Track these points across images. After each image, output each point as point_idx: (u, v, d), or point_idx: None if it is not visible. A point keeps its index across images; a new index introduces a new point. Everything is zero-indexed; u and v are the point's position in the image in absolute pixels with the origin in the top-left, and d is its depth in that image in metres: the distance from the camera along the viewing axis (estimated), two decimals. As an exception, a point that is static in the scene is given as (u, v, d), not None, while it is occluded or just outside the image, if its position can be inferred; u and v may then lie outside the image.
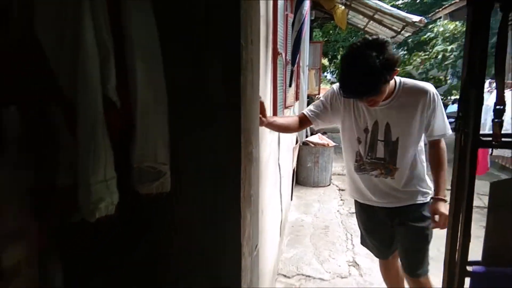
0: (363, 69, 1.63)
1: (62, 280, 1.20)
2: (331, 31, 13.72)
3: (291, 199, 5.01)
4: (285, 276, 3.21)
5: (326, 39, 14.28)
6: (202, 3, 1.05)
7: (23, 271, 1.05)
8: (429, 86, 1.84)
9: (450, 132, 1.83)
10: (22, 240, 1.04)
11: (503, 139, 1.15)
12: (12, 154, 1.01)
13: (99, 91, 0.93)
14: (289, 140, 4.22)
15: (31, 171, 1.04)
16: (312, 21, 7.86)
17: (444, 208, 1.86)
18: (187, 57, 1.08)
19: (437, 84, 14.42)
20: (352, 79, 1.69)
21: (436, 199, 1.91)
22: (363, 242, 2.36)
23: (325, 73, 17.73)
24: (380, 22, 7.26)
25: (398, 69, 1.74)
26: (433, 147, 1.94)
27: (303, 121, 2.08)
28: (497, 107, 1.14)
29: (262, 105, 1.72)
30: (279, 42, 2.76)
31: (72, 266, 1.20)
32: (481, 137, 1.16)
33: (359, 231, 2.35)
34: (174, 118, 1.06)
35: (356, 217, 2.31)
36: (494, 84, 1.28)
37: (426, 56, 13.77)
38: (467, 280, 1.29)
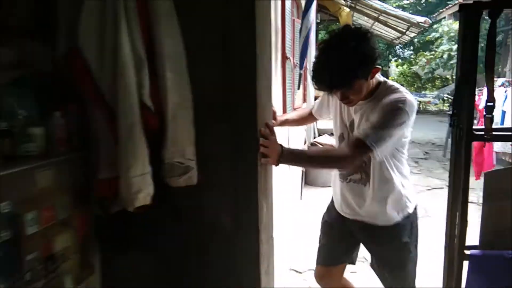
0: (334, 59, 1.45)
1: (99, 266, 1.34)
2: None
3: (301, 199, 5.13)
4: (296, 271, 3.33)
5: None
6: (221, 19, 1.19)
7: (70, 256, 1.20)
8: (398, 101, 1.51)
9: (369, 144, 1.46)
10: (69, 228, 1.18)
11: (494, 133, 1.27)
12: (59, 154, 1.15)
13: (135, 97, 1.08)
14: (298, 140, 4.35)
15: (77, 168, 1.19)
16: (317, 24, 7.99)
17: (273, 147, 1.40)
18: (209, 66, 1.23)
19: (444, 83, 14.44)
20: (322, 69, 1.50)
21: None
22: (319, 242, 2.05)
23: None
24: (385, 24, 7.37)
25: (379, 67, 1.54)
26: (344, 145, 1.70)
27: (310, 114, 2.06)
28: (488, 104, 1.26)
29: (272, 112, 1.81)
30: (287, 47, 2.90)
31: (109, 253, 1.34)
32: (474, 132, 1.28)
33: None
34: (199, 119, 1.20)
35: (323, 215, 2.06)
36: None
37: (432, 56, 13.82)
38: (466, 264, 1.40)
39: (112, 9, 1.07)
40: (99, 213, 1.23)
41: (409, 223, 1.68)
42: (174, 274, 1.32)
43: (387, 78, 1.96)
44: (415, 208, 1.71)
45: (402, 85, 2.04)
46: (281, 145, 1.40)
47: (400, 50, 19.28)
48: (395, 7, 8.47)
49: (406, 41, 9.80)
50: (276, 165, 1.41)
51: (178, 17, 1.15)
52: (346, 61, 1.43)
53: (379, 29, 7.89)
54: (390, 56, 19.30)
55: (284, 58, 2.78)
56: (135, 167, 1.08)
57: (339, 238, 1.90)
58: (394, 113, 1.47)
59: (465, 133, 1.29)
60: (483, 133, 1.29)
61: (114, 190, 1.12)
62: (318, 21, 7.84)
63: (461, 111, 1.29)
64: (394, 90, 1.56)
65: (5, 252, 0.97)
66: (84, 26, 1.09)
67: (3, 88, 1.10)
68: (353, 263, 1.97)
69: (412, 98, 1.52)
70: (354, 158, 1.50)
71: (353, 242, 1.88)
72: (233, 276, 1.28)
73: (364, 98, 1.59)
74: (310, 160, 1.58)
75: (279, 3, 2.61)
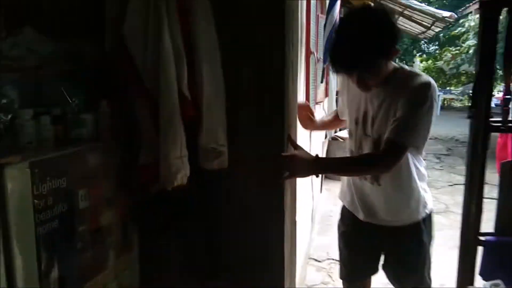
0: (354, 35, 1.36)
1: (138, 243, 1.47)
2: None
3: (321, 192, 5.21)
4: (316, 260, 3.43)
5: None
6: (254, 16, 1.30)
7: (113, 232, 1.33)
8: (423, 86, 1.41)
9: (403, 144, 1.38)
10: (113, 207, 1.31)
11: (509, 124, 1.34)
12: (105, 139, 1.28)
13: (175, 88, 1.19)
14: (319, 134, 4.42)
15: (121, 153, 1.32)
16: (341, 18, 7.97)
17: (303, 158, 1.41)
18: (241, 60, 1.33)
19: (469, 79, 14.17)
20: (341, 47, 1.41)
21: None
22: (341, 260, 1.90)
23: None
24: (410, 18, 7.31)
25: (399, 49, 1.43)
26: (374, 151, 1.51)
27: (337, 116, 1.94)
28: (505, 96, 1.32)
29: (309, 107, 1.84)
30: (311, 42, 2.98)
31: (147, 232, 1.47)
32: (491, 123, 1.35)
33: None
34: (231, 108, 1.31)
35: (338, 224, 1.89)
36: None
37: (457, 51, 13.57)
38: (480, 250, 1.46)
39: (155, 7, 1.18)
40: (140, 196, 1.36)
41: (428, 222, 1.62)
42: (204, 252, 1.44)
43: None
44: (431, 208, 1.64)
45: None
46: (316, 155, 1.40)
47: (425, 45, 18.94)
48: (420, 2, 8.37)
49: (431, 36, 9.67)
50: (311, 175, 1.46)
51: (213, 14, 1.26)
52: (367, 36, 1.33)
53: (403, 23, 7.83)
54: (414, 51, 18.99)
55: (308, 52, 2.86)
56: (174, 150, 1.19)
57: (361, 250, 1.77)
58: (420, 100, 1.37)
59: (482, 124, 1.36)
60: (500, 124, 1.36)
61: (154, 174, 1.24)
62: (342, 16, 7.84)
63: (479, 103, 1.36)
64: (414, 75, 1.45)
65: (62, 223, 1.10)
66: (129, 23, 1.21)
67: (58, 79, 1.24)
68: (377, 272, 1.83)
69: (433, 81, 1.43)
70: (392, 162, 1.40)
71: (375, 251, 1.77)
72: (259, 255, 1.39)
73: (379, 85, 1.47)
74: (346, 168, 1.52)
75: (305, -1, 2.69)
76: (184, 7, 1.22)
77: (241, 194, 1.37)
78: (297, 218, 1.71)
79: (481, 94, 1.33)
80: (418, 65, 20.78)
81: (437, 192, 5.20)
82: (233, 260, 1.41)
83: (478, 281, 1.52)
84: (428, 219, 1.61)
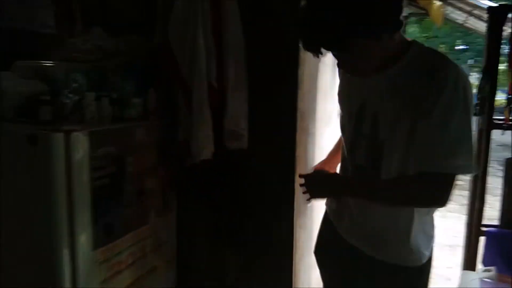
0: (322, 5, 0.99)
1: (176, 207, 1.76)
2: (430, 27, 13.17)
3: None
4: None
5: (426, 35, 13.73)
6: (274, 15, 1.52)
7: (155, 195, 1.62)
8: (460, 75, 0.99)
9: (455, 170, 1.00)
10: (155, 174, 1.61)
11: (510, 122, 1.42)
12: (151, 119, 1.58)
13: (205, 78, 1.45)
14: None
15: (163, 130, 1.61)
16: (405, 17, 7.81)
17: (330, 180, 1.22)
18: (262, 56, 1.56)
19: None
20: (307, 18, 1.04)
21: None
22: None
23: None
24: (479, 18, 6.99)
25: (400, 22, 1.00)
26: (412, 184, 1.06)
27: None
28: (509, 96, 1.40)
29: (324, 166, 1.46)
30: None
31: (183, 198, 1.75)
32: (493, 121, 1.44)
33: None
34: (252, 99, 1.55)
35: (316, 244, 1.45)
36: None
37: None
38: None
39: (192, 9, 1.44)
40: (177, 167, 1.64)
41: (427, 268, 1.19)
42: (228, 215, 1.70)
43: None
44: (431, 256, 1.20)
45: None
46: (344, 176, 1.19)
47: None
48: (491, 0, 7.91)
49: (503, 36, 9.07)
50: (334, 196, 1.23)
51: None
52: (338, 9, 0.96)
53: (473, 23, 7.48)
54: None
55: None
56: (202, 130, 1.46)
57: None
58: (464, 98, 0.97)
59: (485, 122, 1.45)
60: (502, 122, 1.44)
61: (188, 148, 1.52)
62: (406, 14, 7.67)
63: (482, 101, 1.46)
64: (440, 56, 1.04)
65: (112, 182, 1.40)
66: (172, 23, 1.48)
67: (115, 70, 1.55)
68: None
69: None
70: (447, 197, 1.01)
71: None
72: (271, 221, 1.63)
73: (384, 66, 1.06)
74: (384, 196, 1.11)
75: None
76: (216, 12, 1.47)
77: (258, 170, 1.60)
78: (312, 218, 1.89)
79: (485, 92, 1.43)
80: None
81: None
82: (249, 224, 1.65)
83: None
84: (428, 264, 1.18)
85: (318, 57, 1.06)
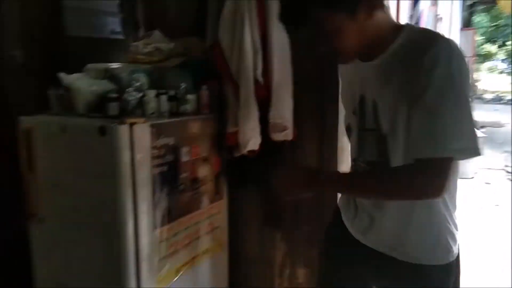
0: None
1: (227, 194, 1.90)
2: (500, 15, 12.33)
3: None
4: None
5: (495, 24, 12.87)
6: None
7: (207, 183, 1.78)
8: (449, 45, 0.92)
9: (446, 154, 0.91)
10: (207, 164, 1.76)
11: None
12: (204, 113, 1.73)
13: (251, 75, 1.57)
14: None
15: (214, 123, 1.76)
16: (470, 6, 7.43)
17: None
18: (305, 53, 1.65)
19: None
20: None
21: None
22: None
23: (494, 61, 15.85)
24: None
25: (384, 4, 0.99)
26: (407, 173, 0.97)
27: None
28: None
29: None
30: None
31: (233, 186, 1.89)
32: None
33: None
34: (296, 91, 1.64)
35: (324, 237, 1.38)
36: None
37: None
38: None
39: (240, 11, 1.57)
40: (228, 156, 1.78)
41: (454, 271, 1.10)
42: (274, 203, 1.82)
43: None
44: (458, 254, 1.10)
45: None
46: (316, 170, 1.18)
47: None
48: None
49: None
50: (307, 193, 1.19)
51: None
52: None
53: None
54: None
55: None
56: (249, 123, 1.58)
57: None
58: (457, 73, 0.89)
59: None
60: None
61: (237, 139, 1.65)
62: (471, 2, 7.30)
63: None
64: (431, 35, 0.98)
65: (169, 169, 1.57)
66: (222, 25, 1.62)
67: (172, 69, 1.72)
68: None
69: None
70: (442, 184, 0.92)
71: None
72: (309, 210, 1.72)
73: (377, 53, 1.01)
74: (372, 189, 1.04)
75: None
76: (262, 13, 1.58)
77: (302, 160, 1.70)
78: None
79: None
80: None
81: None
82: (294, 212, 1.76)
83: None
84: (453, 264, 1.09)
85: (297, 29, 1.06)
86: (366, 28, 0.98)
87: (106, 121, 1.43)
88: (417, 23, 3.17)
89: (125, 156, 1.41)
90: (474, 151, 0.92)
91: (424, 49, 0.91)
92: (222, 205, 1.89)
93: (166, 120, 1.57)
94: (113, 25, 2.22)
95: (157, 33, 1.78)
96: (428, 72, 0.90)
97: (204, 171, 1.75)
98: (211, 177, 1.80)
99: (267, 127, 1.64)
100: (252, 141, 1.58)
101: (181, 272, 1.69)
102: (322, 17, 0.96)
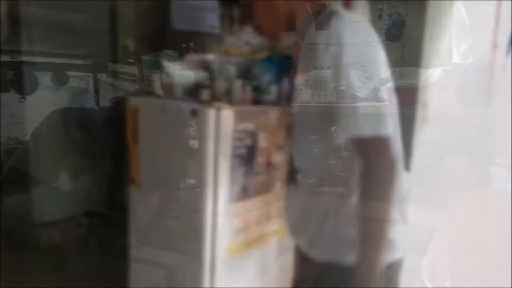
0: None
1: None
2: None
3: None
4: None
5: None
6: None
7: (280, 168, 1.93)
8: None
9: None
10: (282, 151, 1.91)
11: None
12: (283, 104, 1.87)
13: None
14: None
15: (290, 114, 1.89)
16: None
17: None
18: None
19: None
20: None
21: None
22: None
23: None
24: None
25: None
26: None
27: None
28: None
29: None
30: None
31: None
32: None
33: None
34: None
35: None
36: None
37: None
38: None
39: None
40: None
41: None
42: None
43: None
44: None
45: None
46: None
47: None
48: None
49: None
50: None
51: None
52: None
53: None
54: None
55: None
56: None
57: None
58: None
59: None
60: None
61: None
62: None
63: None
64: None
65: (247, 152, 1.75)
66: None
67: (258, 62, 1.90)
68: None
69: None
70: (388, 163, 0.83)
71: None
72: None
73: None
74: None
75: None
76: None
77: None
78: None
79: None
80: None
81: None
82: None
83: None
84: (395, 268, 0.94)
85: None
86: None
87: (198, 105, 1.66)
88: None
89: (211, 136, 1.62)
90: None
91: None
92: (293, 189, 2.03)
93: (248, 108, 1.75)
94: (212, 20, 2.46)
95: (247, 29, 1.96)
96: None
97: (278, 157, 1.90)
98: (284, 163, 1.95)
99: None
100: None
101: (251, 247, 1.87)
102: None
